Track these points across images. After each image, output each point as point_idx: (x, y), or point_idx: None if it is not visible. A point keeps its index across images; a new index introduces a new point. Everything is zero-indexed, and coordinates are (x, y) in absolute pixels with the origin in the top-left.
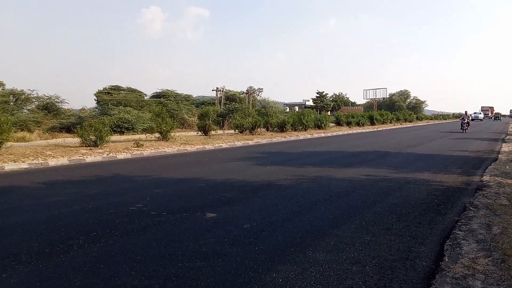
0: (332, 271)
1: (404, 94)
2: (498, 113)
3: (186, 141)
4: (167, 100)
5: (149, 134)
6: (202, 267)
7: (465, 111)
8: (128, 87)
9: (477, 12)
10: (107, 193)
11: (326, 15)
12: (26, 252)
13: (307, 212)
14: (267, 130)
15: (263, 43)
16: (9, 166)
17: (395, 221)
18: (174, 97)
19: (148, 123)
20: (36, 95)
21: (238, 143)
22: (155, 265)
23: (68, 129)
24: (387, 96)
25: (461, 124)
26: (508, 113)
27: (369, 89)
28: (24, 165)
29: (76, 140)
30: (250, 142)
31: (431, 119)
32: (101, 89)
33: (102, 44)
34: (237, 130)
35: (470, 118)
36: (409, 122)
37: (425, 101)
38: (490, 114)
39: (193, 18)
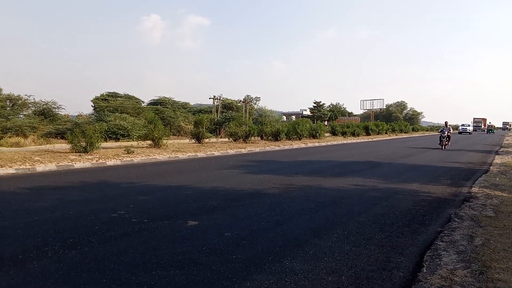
0: (307, 280)
1: (401, 105)
2: (491, 126)
3: (178, 149)
4: (164, 107)
5: (141, 141)
6: (175, 276)
7: (445, 122)
8: (125, 94)
9: (477, 25)
10: (90, 199)
11: (325, 26)
12: None
13: (290, 221)
14: (261, 139)
15: (261, 52)
16: None
17: (378, 231)
18: (171, 105)
19: (144, 130)
20: (33, 101)
21: (231, 151)
22: (127, 273)
23: (63, 135)
24: (384, 107)
25: (440, 139)
26: (501, 125)
27: (366, 100)
28: (11, 170)
29: (69, 146)
30: (243, 151)
31: (427, 130)
32: (98, 95)
33: (101, 51)
34: (231, 138)
35: (451, 131)
36: (405, 133)
37: (421, 113)
38: (482, 126)
39: (193, 27)
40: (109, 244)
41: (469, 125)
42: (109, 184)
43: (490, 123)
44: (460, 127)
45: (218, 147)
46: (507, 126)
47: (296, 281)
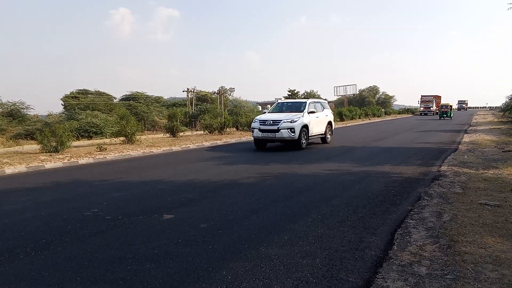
0: (282, 265)
1: (374, 90)
2: (446, 106)
3: (153, 143)
4: (137, 102)
5: (114, 138)
6: (151, 269)
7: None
8: (96, 91)
9: (449, 10)
10: (62, 199)
11: (296, 14)
12: None
13: (266, 209)
14: (237, 130)
15: (235, 43)
16: None
17: (351, 213)
18: (144, 100)
19: (116, 127)
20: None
21: (207, 144)
22: (102, 269)
23: (33, 135)
24: (357, 92)
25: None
26: (457, 105)
27: (340, 86)
28: None
29: (39, 146)
30: (219, 142)
31: (399, 113)
32: (68, 93)
33: (70, 48)
34: (206, 131)
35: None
36: (378, 117)
37: (393, 96)
38: (434, 106)
39: (163, 19)
40: (83, 242)
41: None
42: (81, 183)
43: (445, 105)
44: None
45: (193, 140)
46: (463, 105)
47: (272, 266)
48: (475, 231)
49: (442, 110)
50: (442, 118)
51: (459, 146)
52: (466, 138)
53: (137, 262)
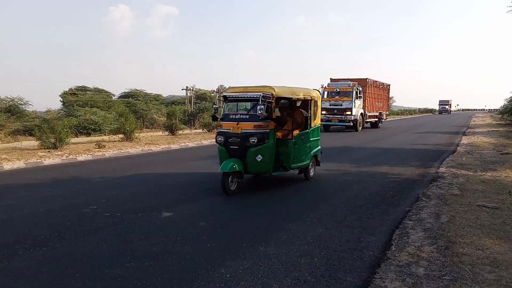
0: (280, 264)
1: None
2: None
3: (151, 141)
4: (135, 100)
5: (112, 135)
6: (150, 266)
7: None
8: (95, 88)
9: (447, 11)
10: (61, 195)
11: (295, 13)
12: None
13: (264, 208)
14: None
15: (233, 41)
16: None
17: (349, 214)
18: (143, 97)
19: (115, 124)
20: None
21: (205, 142)
22: (101, 266)
23: (31, 131)
24: None
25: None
26: (438, 107)
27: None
28: None
29: (37, 143)
30: None
31: (397, 115)
32: (67, 90)
33: (69, 44)
34: (205, 129)
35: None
36: None
37: (392, 97)
38: (448, 108)
39: (162, 16)
40: (82, 239)
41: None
42: (80, 180)
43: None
44: None
45: (192, 138)
46: (446, 106)
47: (270, 265)
48: (472, 233)
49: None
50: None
51: (458, 148)
52: (465, 140)
53: (136, 259)
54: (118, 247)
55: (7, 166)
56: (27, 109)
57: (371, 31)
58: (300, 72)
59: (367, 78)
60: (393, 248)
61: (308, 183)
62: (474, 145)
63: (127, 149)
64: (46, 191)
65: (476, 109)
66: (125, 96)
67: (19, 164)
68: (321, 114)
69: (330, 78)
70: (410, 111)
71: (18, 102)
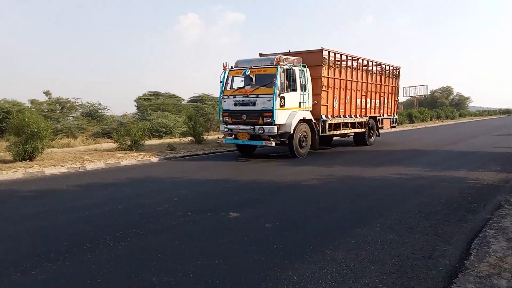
0: (349, 269)
1: (447, 91)
2: None
3: (220, 144)
4: (203, 104)
5: (182, 138)
6: (219, 265)
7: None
8: (166, 93)
9: None
10: (137, 194)
11: (363, 13)
12: (55, 250)
13: (330, 212)
14: None
15: (299, 41)
16: (49, 171)
17: (422, 220)
18: (211, 101)
19: (185, 127)
20: (80, 103)
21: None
22: (174, 262)
23: (110, 134)
24: (428, 93)
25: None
26: None
27: (409, 87)
28: (63, 169)
29: (115, 145)
30: None
31: (475, 116)
32: (141, 95)
33: (143, 52)
34: None
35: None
36: (451, 119)
37: (469, 97)
38: None
39: (229, 23)
40: (156, 236)
41: None
42: (154, 180)
43: None
44: None
45: None
46: None
47: (338, 269)
48: None
49: None
50: None
51: None
52: None
53: (206, 257)
54: (189, 245)
55: (89, 166)
56: (105, 113)
57: (443, 31)
58: None
59: (323, 50)
60: (472, 258)
61: (376, 186)
62: None
63: (196, 151)
64: (123, 190)
65: None
66: (194, 100)
67: (100, 164)
68: (222, 121)
69: (259, 53)
70: (490, 112)
71: (98, 107)
